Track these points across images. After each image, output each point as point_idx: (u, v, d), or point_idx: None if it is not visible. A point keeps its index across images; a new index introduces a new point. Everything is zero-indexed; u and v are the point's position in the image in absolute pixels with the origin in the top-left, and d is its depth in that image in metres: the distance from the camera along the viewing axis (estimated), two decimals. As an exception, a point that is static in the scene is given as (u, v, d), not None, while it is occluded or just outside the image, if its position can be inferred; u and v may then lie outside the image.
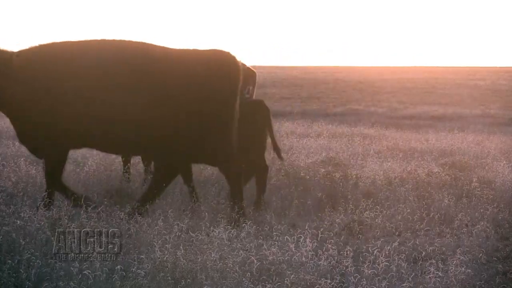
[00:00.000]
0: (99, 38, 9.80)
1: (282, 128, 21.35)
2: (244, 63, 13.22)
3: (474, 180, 11.85)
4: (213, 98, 9.66)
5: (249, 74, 13.11)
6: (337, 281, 7.09)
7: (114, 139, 9.62)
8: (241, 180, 9.74)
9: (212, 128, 9.68)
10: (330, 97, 44.82)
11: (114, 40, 9.72)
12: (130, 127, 9.50)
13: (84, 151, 13.82)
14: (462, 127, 24.68)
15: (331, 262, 7.58)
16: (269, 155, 14.48)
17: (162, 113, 9.51)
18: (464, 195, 11.18)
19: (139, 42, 9.77)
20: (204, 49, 9.86)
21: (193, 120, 9.62)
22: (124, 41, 9.74)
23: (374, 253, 7.82)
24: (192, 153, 9.81)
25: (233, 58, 9.93)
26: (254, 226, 8.83)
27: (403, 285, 7.07)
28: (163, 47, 9.77)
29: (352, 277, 7.15)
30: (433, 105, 37.16)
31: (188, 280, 6.96)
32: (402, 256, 7.88)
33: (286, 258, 7.59)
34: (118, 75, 9.46)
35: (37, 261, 7.08)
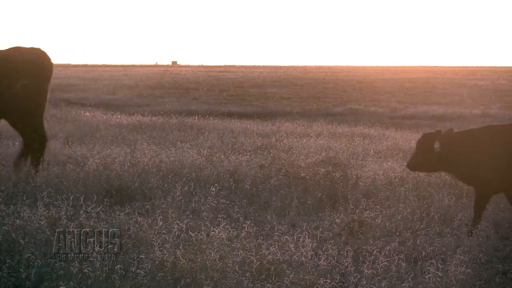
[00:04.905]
0: None
1: (282, 128, 21.34)
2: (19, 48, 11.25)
3: (474, 180, 11.83)
4: None
5: (20, 61, 11.20)
6: (337, 281, 7.09)
7: None
8: None
9: None
10: (330, 97, 44.79)
11: None
12: None
13: (84, 151, 13.82)
14: (462, 127, 24.65)
15: (331, 262, 7.58)
16: (268, 154, 14.49)
17: None
18: (464, 195, 11.17)
19: None
20: None
21: None
22: None
23: (374, 253, 7.82)
24: None
25: None
26: (254, 226, 8.83)
27: (403, 285, 7.07)
28: None
29: (352, 277, 7.14)
30: (433, 105, 37.13)
31: (188, 279, 6.96)
32: (402, 256, 7.87)
33: (286, 258, 7.59)
34: None
35: (37, 260, 7.08)
